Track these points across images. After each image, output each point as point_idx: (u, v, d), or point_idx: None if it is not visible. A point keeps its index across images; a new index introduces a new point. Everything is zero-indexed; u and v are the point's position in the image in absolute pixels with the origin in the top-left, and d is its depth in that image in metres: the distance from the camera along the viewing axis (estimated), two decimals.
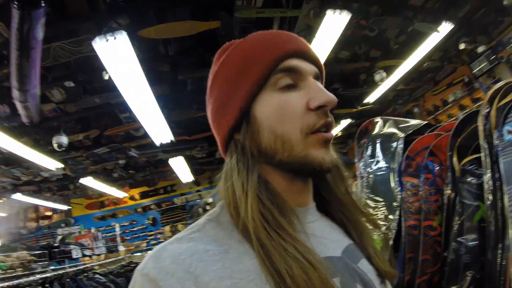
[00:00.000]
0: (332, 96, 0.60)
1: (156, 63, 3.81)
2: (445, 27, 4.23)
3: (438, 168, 1.36)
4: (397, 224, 1.55)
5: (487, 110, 1.12)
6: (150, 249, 2.51)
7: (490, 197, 1.08)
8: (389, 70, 5.04)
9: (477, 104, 6.14)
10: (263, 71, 0.60)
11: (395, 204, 1.59)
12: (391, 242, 1.56)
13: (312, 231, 0.60)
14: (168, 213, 9.67)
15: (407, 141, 1.58)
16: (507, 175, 1.03)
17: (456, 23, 4.38)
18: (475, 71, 6.21)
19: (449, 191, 1.28)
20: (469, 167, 1.20)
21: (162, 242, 0.60)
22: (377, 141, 1.76)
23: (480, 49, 5.83)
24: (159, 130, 4.69)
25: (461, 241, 1.20)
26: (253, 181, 0.59)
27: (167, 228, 9.26)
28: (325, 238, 0.63)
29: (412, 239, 1.44)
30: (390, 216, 1.63)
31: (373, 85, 5.36)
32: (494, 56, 5.83)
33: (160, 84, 3.97)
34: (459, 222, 1.21)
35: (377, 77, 4.90)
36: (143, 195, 9.89)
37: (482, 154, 1.12)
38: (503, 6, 4.95)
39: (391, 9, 3.89)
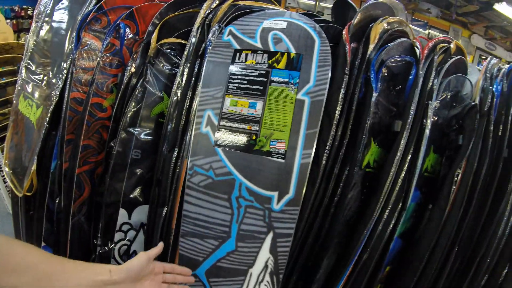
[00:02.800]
0: None
1: None
2: None
3: (131, 37, 1.03)
4: (59, 93, 1.15)
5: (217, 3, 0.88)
6: None
7: (179, 93, 0.89)
8: None
9: None
10: None
11: (64, 66, 1.16)
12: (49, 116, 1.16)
13: None
14: None
15: None
16: (206, 76, 0.86)
17: None
18: None
19: (133, 69, 1.01)
20: (167, 50, 0.95)
21: None
22: None
23: None
24: None
25: (133, 132, 1.00)
26: None
27: None
28: None
29: (75, 117, 1.11)
30: (54, 81, 1.19)
31: None
32: None
33: None
34: (135, 109, 0.99)
35: None
36: None
37: (188, 43, 0.89)
38: None
39: None
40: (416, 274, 1.02)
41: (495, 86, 1.05)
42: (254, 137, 0.79)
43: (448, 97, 1.02)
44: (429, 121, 0.89)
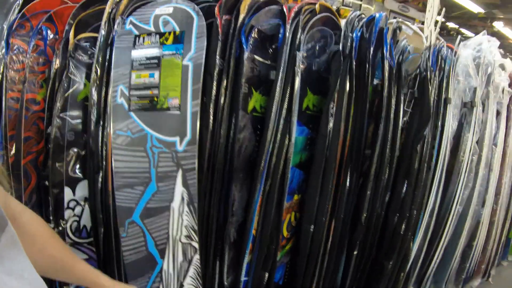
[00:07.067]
0: None
1: None
2: None
3: (52, 37, 1.22)
4: None
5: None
6: None
7: (96, 77, 1.10)
8: None
9: None
10: None
11: None
12: None
13: None
14: None
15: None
16: (116, 59, 1.07)
17: None
18: None
19: (57, 64, 1.19)
20: (84, 43, 1.15)
21: None
22: None
23: None
24: None
25: (65, 117, 1.19)
26: None
27: None
28: None
29: (14, 114, 1.27)
30: None
31: None
32: None
33: None
34: (63, 98, 1.17)
35: None
36: None
37: (99, 35, 1.10)
38: None
39: None
40: (316, 197, 1.23)
41: (354, 33, 1.26)
42: (155, 99, 1.01)
43: (317, 47, 1.23)
44: (297, 68, 1.09)
